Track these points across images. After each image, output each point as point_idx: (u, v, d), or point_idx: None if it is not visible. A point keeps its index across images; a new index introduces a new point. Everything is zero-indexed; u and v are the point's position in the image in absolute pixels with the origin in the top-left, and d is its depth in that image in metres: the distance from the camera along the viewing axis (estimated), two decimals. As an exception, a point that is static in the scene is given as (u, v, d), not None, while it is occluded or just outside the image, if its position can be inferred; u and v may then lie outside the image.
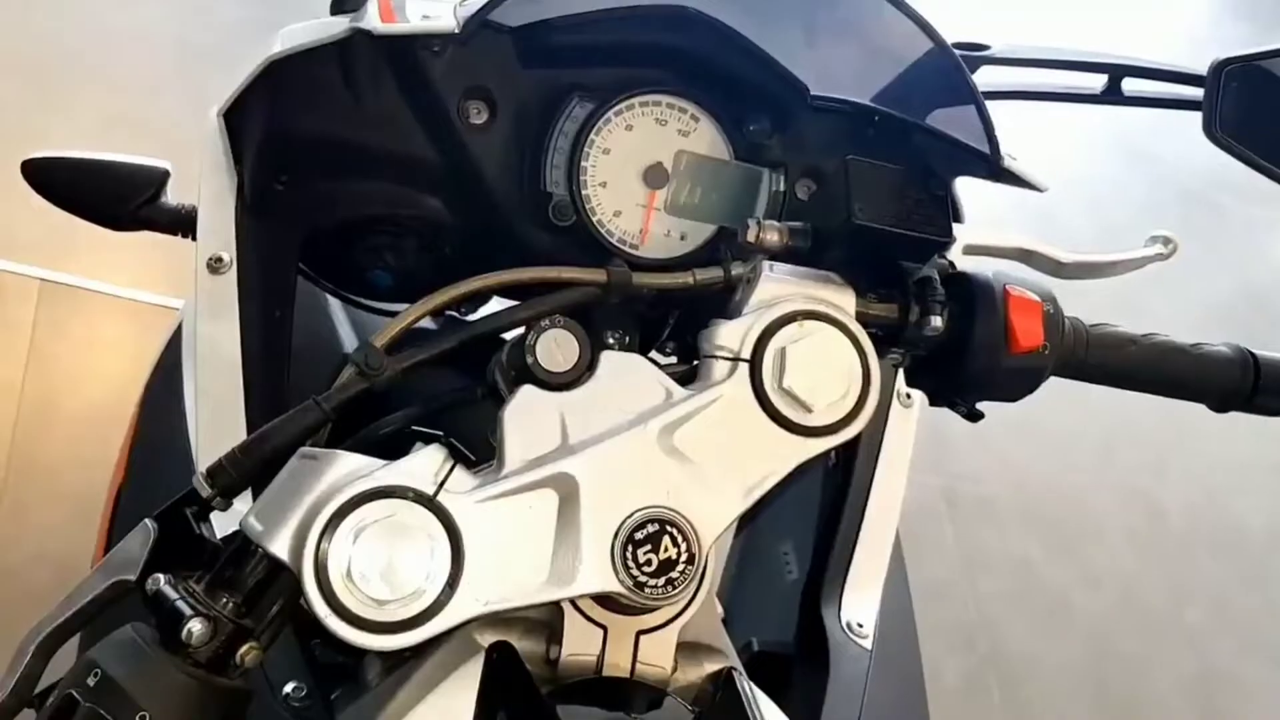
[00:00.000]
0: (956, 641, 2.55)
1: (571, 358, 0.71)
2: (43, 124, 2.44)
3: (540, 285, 0.82)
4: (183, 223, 1.00)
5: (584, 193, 0.86)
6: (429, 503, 0.64)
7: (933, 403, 0.86)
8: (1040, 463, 2.96)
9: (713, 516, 0.68)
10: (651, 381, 0.71)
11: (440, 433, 0.85)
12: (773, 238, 0.78)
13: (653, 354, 0.93)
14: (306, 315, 1.30)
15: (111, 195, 1.01)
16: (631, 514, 0.66)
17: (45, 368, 2.12)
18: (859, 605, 0.95)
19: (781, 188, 0.90)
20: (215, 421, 0.88)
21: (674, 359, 0.99)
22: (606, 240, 0.87)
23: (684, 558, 0.67)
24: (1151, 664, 2.72)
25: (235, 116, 0.91)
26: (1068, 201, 3.27)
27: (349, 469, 0.65)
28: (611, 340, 0.86)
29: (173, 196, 1.04)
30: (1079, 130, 3.83)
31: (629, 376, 0.71)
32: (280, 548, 0.63)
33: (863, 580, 0.96)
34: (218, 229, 0.91)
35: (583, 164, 0.86)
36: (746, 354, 0.71)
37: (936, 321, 0.77)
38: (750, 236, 0.77)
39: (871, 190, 0.77)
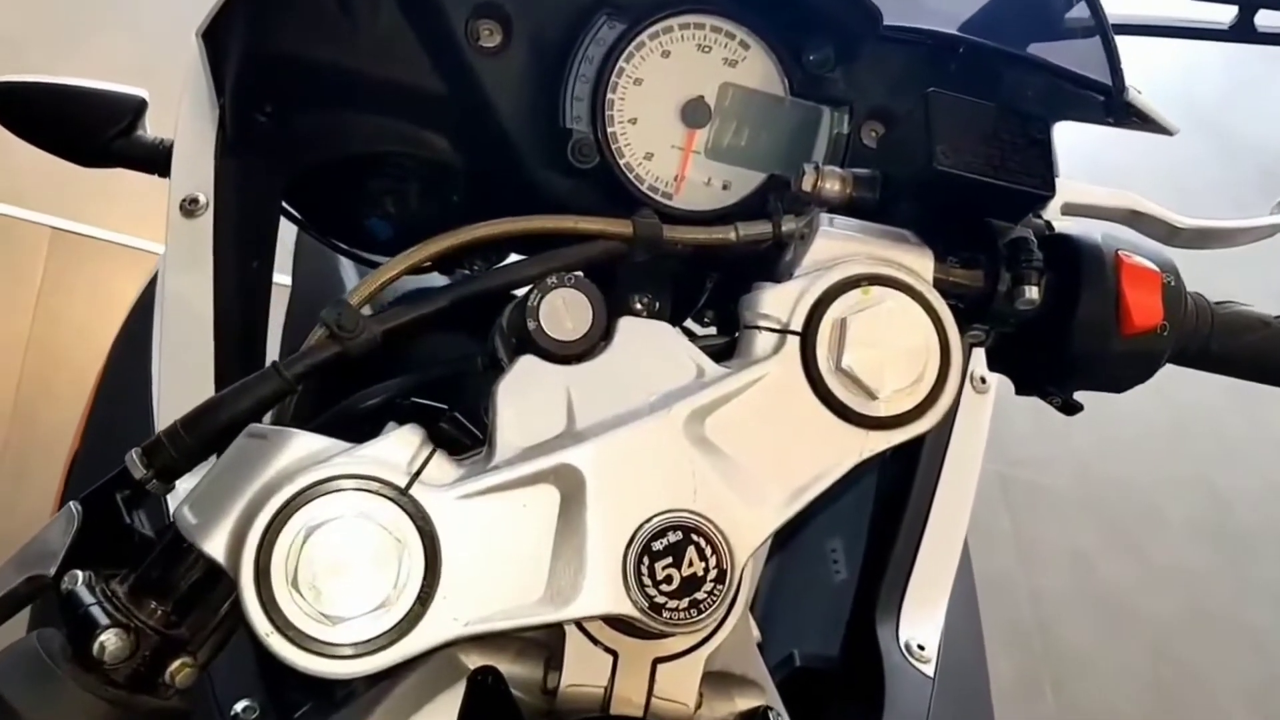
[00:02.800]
0: (1010, 639, 2.43)
1: (582, 323, 0.59)
2: (62, 66, 2.35)
3: (555, 237, 0.70)
4: (160, 159, 0.90)
5: (610, 130, 0.75)
6: (399, 497, 0.53)
7: (1020, 391, 0.73)
8: (1102, 450, 2.82)
9: (749, 524, 0.57)
10: (680, 355, 0.60)
11: (444, 407, 0.74)
12: (834, 187, 0.66)
13: (688, 324, 0.84)
14: (314, 277, 1.20)
15: (80, 126, 0.91)
16: (649, 519, 0.55)
17: (53, 319, 2.03)
18: (921, 623, 0.83)
19: (845, 130, 0.79)
20: (181, 387, 0.78)
21: (713, 330, 0.88)
22: (635, 187, 0.76)
23: (712, 574, 0.55)
24: (1214, 668, 2.59)
25: (217, 38, 0.79)
26: (1141, 178, 3.10)
27: (304, 452, 0.54)
28: (638, 305, 0.75)
29: (152, 130, 0.92)
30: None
31: (652, 349, 0.60)
32: (215, 546, 0.52)
33: (925, 594, 0.83)
34: (194, 167, 0.80)
35: (609, 96, 0.75)
36: (797, 325, 0.60)
37: (1032, 292, 0.64)
38: (806, 184, 0.66)
39: (957, 130, 0.63)
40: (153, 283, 0.98)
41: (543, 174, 0.77)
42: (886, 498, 0.92)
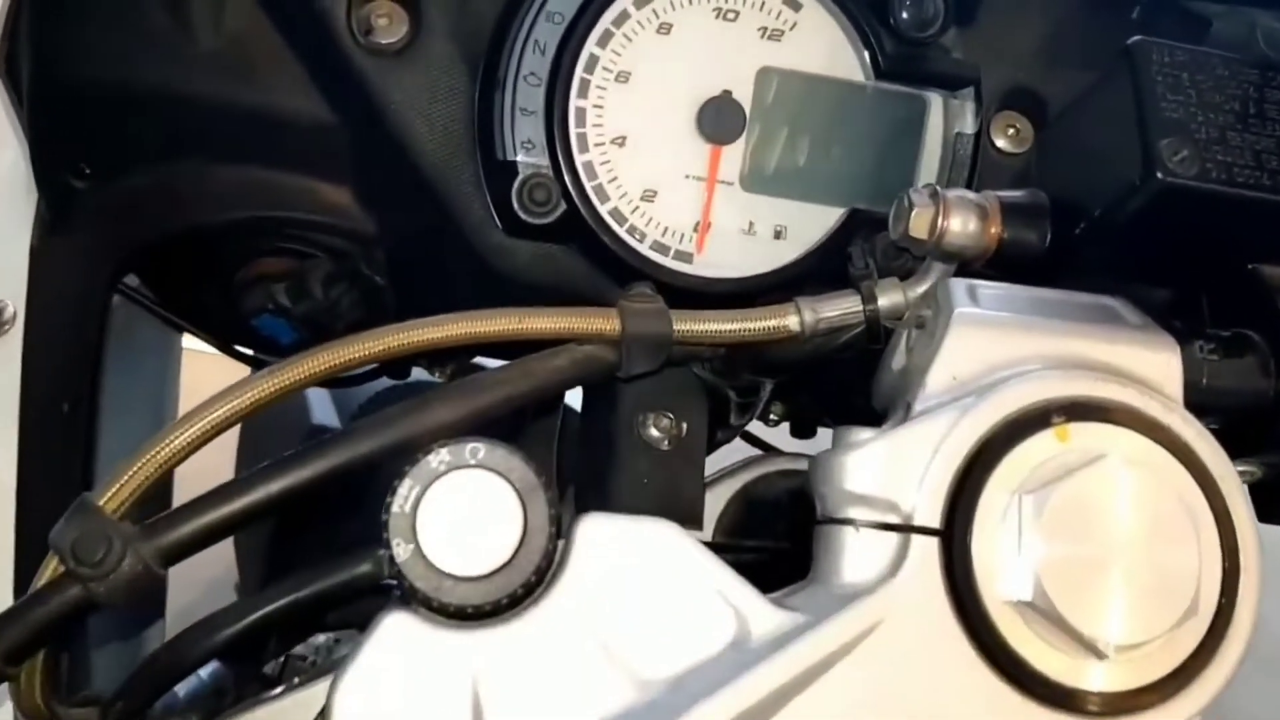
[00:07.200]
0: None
1: (502, 540, 0.32)
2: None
3: (502, 347, 0.45)
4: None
5: (583, 159, 0.52)
6: None
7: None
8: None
9: None
10: (700, 587, 0.35)
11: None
12: (968, 226, 0.42)
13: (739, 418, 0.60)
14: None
15: None
16: None
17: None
18: None
19: (968, 129, 0.54)
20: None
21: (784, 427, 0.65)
22: (629, 247, 0.52)
23: None
24: None
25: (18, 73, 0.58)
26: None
27: None
28: (654, 430, 0.49)
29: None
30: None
31: (645, 579, 0.35)
32: None
33: None
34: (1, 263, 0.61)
35: (578, 104, 0.52)
36: (932, 517, 0.35)
37: None
38: (917, 227, 0.42)
39: (1191, 109, 0.36)
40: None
41: (483, 237, 0.53)
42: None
